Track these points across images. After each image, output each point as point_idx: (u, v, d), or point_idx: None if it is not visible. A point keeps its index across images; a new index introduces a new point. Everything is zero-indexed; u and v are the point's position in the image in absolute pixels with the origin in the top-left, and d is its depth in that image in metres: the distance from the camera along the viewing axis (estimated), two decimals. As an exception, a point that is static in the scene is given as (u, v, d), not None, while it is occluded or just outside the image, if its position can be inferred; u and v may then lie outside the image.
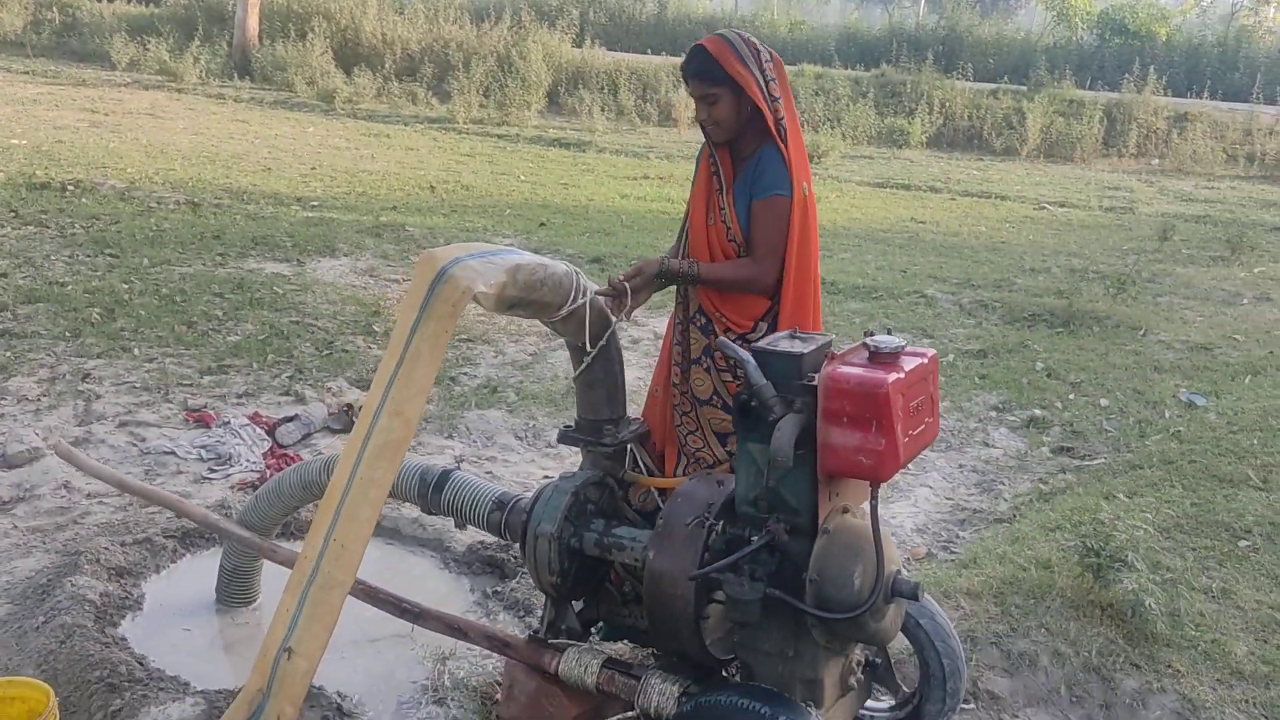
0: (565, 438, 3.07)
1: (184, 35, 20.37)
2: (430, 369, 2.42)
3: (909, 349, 2.42)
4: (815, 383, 2.34)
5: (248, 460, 4.61)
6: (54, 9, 22.55)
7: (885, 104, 19.02)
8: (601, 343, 2.88)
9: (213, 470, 4.52)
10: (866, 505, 2.41)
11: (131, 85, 17.80)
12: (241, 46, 19.98)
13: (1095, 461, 5.11)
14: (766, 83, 2.89)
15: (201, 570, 3.70)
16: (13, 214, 8.37)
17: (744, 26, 24.37)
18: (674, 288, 3.07)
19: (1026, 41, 23.74)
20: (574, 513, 2.84)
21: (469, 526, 3.10)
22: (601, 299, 2.88)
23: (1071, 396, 5.96)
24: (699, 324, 3.00)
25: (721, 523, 2.54)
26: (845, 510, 2.50)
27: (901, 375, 2.30)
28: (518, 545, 2.94)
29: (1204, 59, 22.06)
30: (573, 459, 4.73)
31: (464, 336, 6.36)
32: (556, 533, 2.78)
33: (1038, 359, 6.59)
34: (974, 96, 18.91)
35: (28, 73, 18.14)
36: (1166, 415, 5.65)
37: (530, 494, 2.95)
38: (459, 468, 3.15)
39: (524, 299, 2.59)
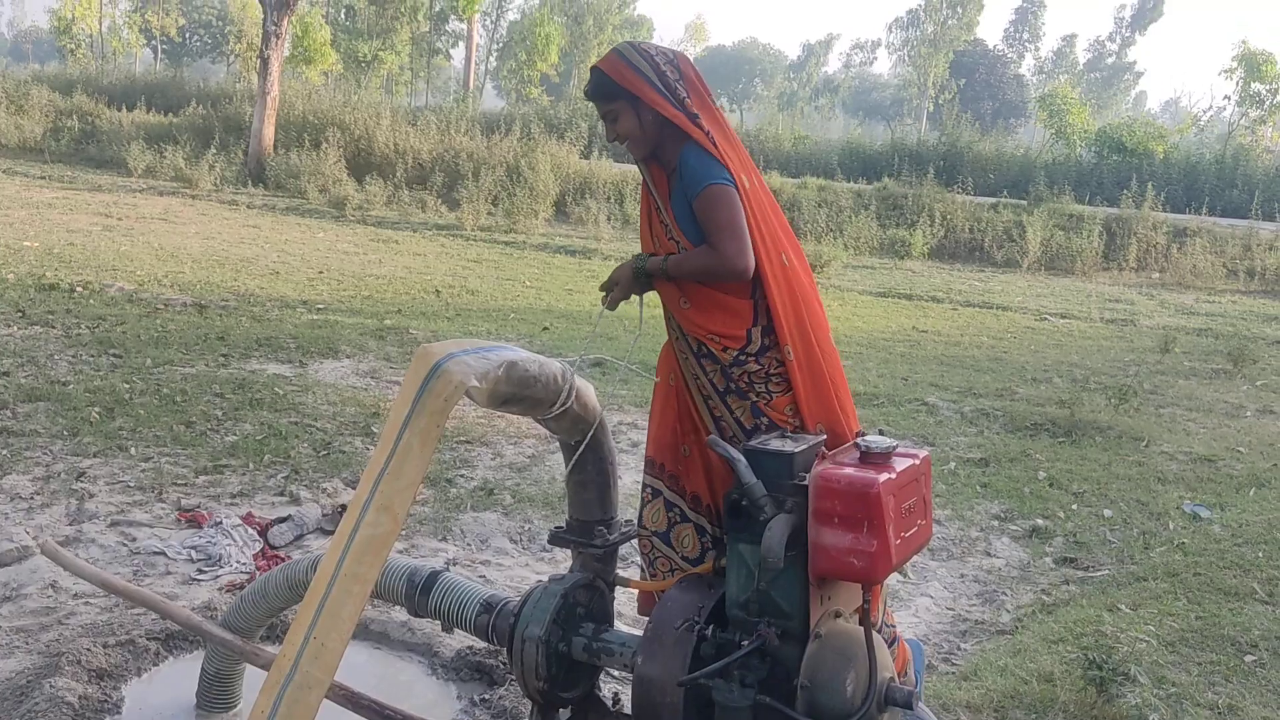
0: (556, 539, 3.03)
1: (201, 144, 20.88)
2: (420, 464, 2.40)
3: (901, 449, 2.40)
4: (806, 482, 2.32)
5: (238, 561, 4.55)
6: (73, 117, 23.18)
7: (887, 216, 19.32)
8: (590, 434, 2.85)
9: (202, 571, 4.46)
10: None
11: (146, 191, 18.17)
12: (257, 155, 20.45)
13: (1099, 573, 5.02)
14: (668, 86, 2.81)
15: (183, 674, 3.61)
16: (20, 314, 8.44)
17: (749, 139, 24.94)
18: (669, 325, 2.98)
19: (1026, 158, 24.25)
20: (563, 616, 2.78)
21: (456, 630, 3.04)
22: (585, 382, 2.85)
23: (1074, 506, 5.89)
24: (703, 353, 2.86)
25: (711, 627, 2.48)
26: (838, 614, 2.45)
27: (893, 476, 2.28)
28: (505, 650, 2.87)
29: (1202, 176, 22.49)
30: (568, 563, 4.66)
31: (462, 438, 6.34)
32: (544, 636, 2.72)
33: (1040, 468, 6.54)
34: (975, 209, 19.21)
35: (44, 178, 18.54)
36: (1170, 527, 5.58)
37: (519, 597, 2.90)
38: (450, 570, 3.10)
39: (517, 395, 2.59)
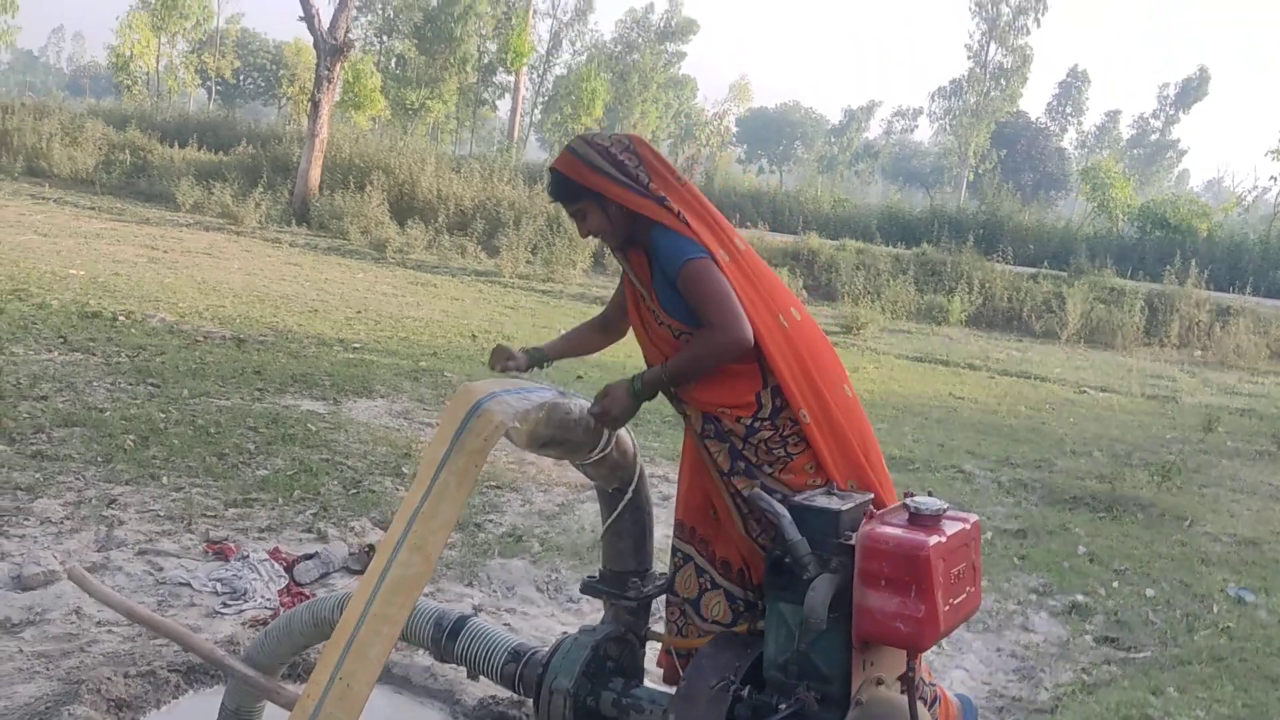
0: (588, 588, 2.96)
1: (248, 182, 21.21)
2: (456, 504, 2.35)
3: (951, 512, 2.32)
4: (853, 542, 2.24)
5: (263, 596, 4.50)
6: (126, 151, 23.64)
7: (925, 281, 19.26)
8: (634, 486, 2.79)
9: (226, 605, 4.41)
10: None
11: (193, 226, 18.42)
12: (302, 195, 20.74)
13: (1141, 654, 4.87)
14: (629, 175, 2.76)
15: (203, 708, 3.55)
16: (61, 340, 8.52)
17: (788, 201, 25.01)
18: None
19: (1067, 230, 24.13)
20: (592, 669, 2.71)
21: (481, 678, 2.97)
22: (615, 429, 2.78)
23: (1115, 584, 5.74)
24: (709, 433, 2.76)
25: (748, 688, 2.40)
26: (880, 681, 2.36)
27: (943, 539, 2.20)
28: (531, 701, 2.80)
29: (1246, 256, 22.28)
30: (594, 614, 4.57)
31: (492, 483, 6.28)
32: (573, 689, 2.65)
33: (1080, 543, 6.38)
34: (1014, 279, 19.09)
35: (94, 209, 18.84)
36: (1215, 610, 5.41)
37: (548, 647, 2.83)
38: (476, 615, 3.03)
39: (557, 438, 2.54)
